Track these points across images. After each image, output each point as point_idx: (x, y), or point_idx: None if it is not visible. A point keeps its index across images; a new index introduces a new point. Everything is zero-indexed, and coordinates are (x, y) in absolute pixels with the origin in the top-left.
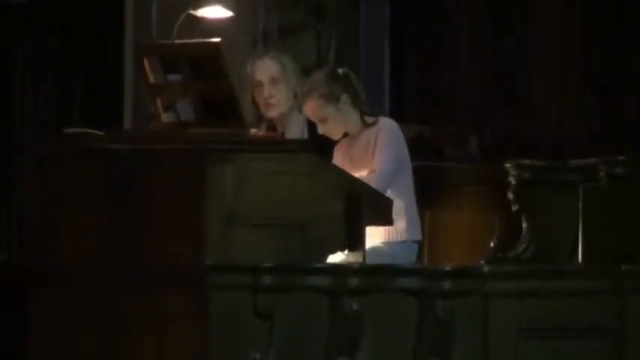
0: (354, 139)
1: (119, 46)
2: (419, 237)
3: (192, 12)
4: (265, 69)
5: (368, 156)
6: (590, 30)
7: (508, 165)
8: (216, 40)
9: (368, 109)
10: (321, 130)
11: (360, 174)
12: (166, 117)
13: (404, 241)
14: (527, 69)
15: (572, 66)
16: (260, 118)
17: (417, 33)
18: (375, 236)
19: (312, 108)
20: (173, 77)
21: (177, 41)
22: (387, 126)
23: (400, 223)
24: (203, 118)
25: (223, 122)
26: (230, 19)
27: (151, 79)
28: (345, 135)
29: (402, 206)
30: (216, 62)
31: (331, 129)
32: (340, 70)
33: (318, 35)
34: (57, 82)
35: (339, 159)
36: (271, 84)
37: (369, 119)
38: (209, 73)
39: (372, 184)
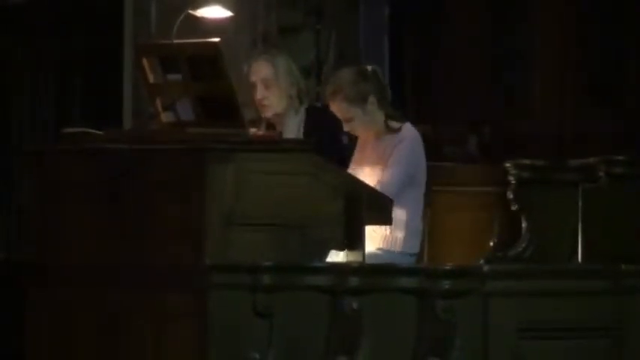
0: (377, 140)
1: (118, 46)
2: (416, 250)
3: (191, 12)
4: (258, 70)
5: (383, 162)
6: (589, 30)
7: (508, 164)
8: (216, 40)
9: (392, 111)
10: (346, 128)
11: (370, 179)
12: (166, 117)
13: (400, 252)
14: (527, 69)
15: (572, 66)
16: (260, 117)
17: (417, 33)
18: (372, 242)
19: (337, 107)
20: (172, 77)
21: (176, 41)
22: (408, 138)
23: (398, 233)
24: (202, 118)
25: (223, 122)
26: (229, 18)
27: (151, 79)
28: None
29: (404, 217)
30: (216, 62)
31: (357, 128)
32: (369, 68)
33: (317, 35)
34: (56, 82)
35: (358, 154)
36: (264, 85)
37: (394, 124)
38: (208, 73)
39: None
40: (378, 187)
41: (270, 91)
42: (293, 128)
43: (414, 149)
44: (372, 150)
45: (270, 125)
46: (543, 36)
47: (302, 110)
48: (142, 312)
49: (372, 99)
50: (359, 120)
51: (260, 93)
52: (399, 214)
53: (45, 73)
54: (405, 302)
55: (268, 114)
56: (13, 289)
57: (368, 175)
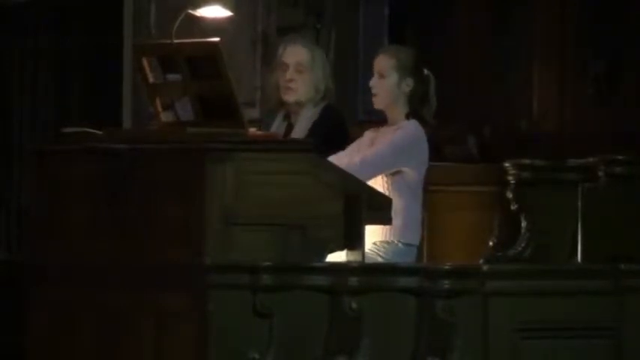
0: (381, 133)
1: (118, 46)
2: (415, 241)
3: (191, 11)
4: (295, 53)
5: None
6: (589, 30)
7: (507, 164)
8: (215, 39)
9: (420, 114)
10: (372, 82)
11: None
12: (165, 116)
13: (396, 243)
14: (527, 69)
15: (572, 66)
16: (282, 104)
17: (417, 33)
18: (370, 234)
19: (382, 59)
20: (172, 77)
21: (176, 41)
22: (406, 126)
23: (395, 221)
24: (202, 118)
25: (223, 122)
26: (229, 18)
27: (150, 78)
28: (378, 124)
29: (398, 206)
30: (215, 62)
31: (379, 90)
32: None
33: (317, 35)
34: (56, 82)
35: (361, 141)
36: (296, 69)
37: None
38: (208, 73)
39: (351, 168)
40: (359, 162)
41: (302, 76)
42: (304, 122)
43: (408, 139)
44: (375, 143)
45: (287, 116)
46: (543, 36)
47: (319, 107)
48: (142, 312)
49: (409, 81)
50: (387, 84)
51: (290, 74)
52: (396, 202)
53: (45, 73)
54: (404, 302)
55: (291, 99)
56: (13, 289)
57: None
